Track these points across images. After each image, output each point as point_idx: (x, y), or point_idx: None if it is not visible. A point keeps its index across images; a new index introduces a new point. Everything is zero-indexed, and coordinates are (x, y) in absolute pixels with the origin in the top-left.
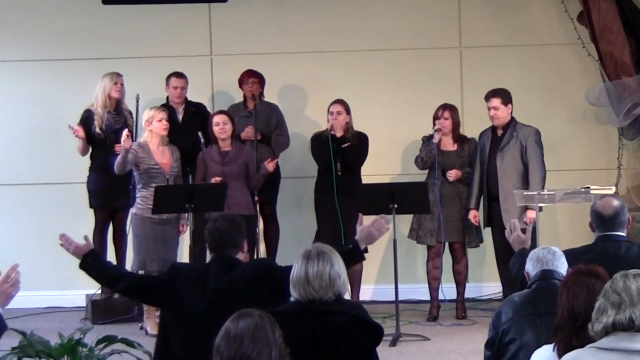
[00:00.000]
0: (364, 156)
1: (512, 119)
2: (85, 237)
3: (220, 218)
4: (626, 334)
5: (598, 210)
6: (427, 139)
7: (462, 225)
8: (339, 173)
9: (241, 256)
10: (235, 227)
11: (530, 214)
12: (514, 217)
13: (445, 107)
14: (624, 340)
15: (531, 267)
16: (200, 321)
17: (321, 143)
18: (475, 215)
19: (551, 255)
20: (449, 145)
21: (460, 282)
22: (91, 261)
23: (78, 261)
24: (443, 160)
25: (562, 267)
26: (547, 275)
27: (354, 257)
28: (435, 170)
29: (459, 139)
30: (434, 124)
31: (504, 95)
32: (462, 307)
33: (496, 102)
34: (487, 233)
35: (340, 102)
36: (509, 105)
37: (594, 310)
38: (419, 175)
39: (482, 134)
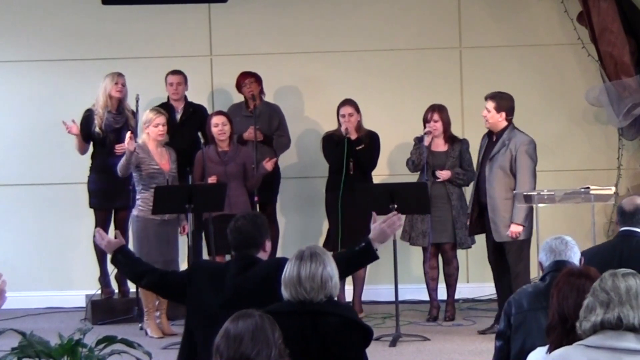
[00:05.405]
0: (377, 156)
1: (509, 125)
2: (117, 234)
3: (242, 217)
4: (614, 332)
5: (621, 205)
6: (419, 140)
7: (453, 226)
8: (351, 172)
9: (263, 255)
10: (257, 227)
11: (514, 228)
12: (503, 229)
13: (434, 108)
14: (612, 338)
15: (544, 257)
16: (217, 318)
17: (333, 143)
18: None
19: (564, 246)
20: (440, 145)
21: (451, 284)
22: (120, 257)
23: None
24: (433, 160)
25: (574, 257)
26: (560, 266)
27: (366, 256)
28: (424, 172)
29: (450, 138)
30: (425, 126)
31: (500, 101)
32: (452, 309)
33: (489, 105)
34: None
35: (349, 102)
36: (502, 113)
37: (581, 309)
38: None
39: (484, 136)
